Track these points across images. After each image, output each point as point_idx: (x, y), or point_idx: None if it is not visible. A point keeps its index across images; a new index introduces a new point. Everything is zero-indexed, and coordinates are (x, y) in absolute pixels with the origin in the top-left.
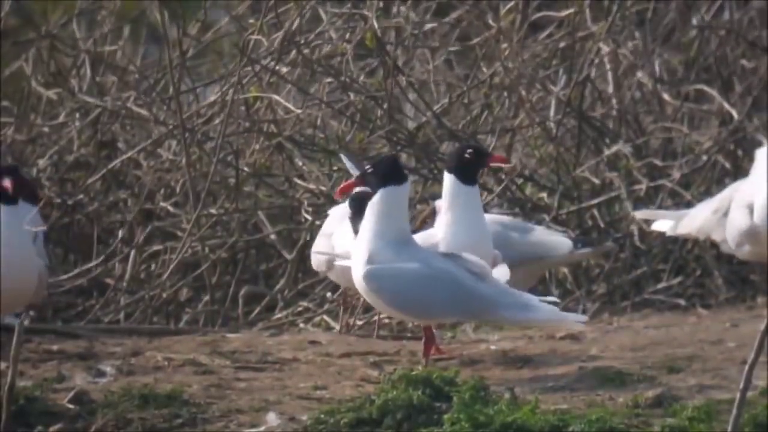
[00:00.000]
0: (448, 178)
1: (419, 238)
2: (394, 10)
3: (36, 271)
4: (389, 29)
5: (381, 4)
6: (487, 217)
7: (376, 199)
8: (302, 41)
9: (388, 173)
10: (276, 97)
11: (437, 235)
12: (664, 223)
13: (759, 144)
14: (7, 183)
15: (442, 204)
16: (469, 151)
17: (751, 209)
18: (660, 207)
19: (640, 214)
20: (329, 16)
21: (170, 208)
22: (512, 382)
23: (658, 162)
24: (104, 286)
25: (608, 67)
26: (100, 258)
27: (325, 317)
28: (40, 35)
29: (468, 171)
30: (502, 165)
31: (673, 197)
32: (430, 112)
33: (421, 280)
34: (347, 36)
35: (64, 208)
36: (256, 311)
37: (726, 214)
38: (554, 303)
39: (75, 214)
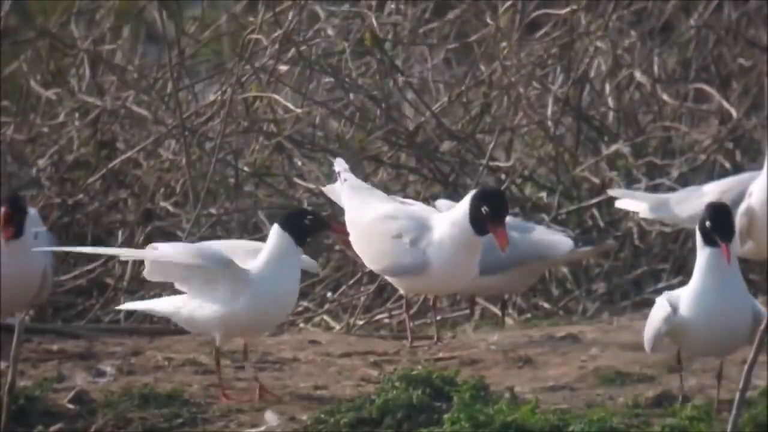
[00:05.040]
0: (279, 235)
1: None
2: (393, 7)
3: (39, 269)
4: (387, 27)
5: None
6: None
7: None
8: (300, 40)
9: None
10: (275, 96)
11: None
12: (635, 204)
13: (758, 143)
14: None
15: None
16: (309, 218)
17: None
18: None
19: (612, 192)
20: (327, 15)
21: (170, 208)
22: (512, 382)
23: (657, 161)
24: (104, 286)
25: (606, 66)
26: (100, 258)
27: (325, 317)
28: (37, 33)
29: (303, 233)
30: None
31: None
32: (429, 112)
33: None
34: (345, 35)
35: (64, 207)
36: None
37: None
38: None
39: (75, 214)
